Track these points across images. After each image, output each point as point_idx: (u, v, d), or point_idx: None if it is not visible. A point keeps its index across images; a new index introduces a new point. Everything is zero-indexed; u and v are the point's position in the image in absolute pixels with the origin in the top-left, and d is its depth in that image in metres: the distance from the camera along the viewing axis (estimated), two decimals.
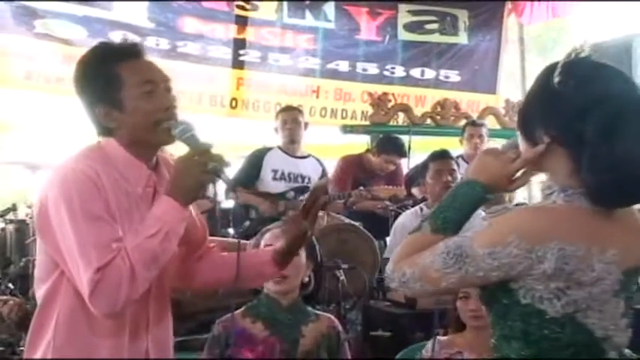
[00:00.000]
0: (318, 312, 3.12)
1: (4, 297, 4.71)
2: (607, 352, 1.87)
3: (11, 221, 6.23)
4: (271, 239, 2.98)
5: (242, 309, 3.01)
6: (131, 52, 2.33)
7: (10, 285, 5.35)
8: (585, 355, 1.86)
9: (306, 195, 5.74)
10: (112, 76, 2.26)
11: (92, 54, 2.38)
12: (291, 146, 6.04)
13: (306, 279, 3.05)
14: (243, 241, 3.31)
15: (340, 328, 3.10)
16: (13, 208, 6.38)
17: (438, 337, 3.43)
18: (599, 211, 1.85)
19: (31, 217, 6.19)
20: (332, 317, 3.14)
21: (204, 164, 2.23)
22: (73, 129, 7.91)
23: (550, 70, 1.92)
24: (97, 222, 2.17)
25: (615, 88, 1.85)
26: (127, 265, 2.14)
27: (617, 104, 1.81)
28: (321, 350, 2.96)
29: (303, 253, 2.95)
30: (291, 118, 6.11)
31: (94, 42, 7.18)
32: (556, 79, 1.86)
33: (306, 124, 6.23)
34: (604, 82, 1.87)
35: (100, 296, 2.13)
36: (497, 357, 1.95)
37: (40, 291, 2.31)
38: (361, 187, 5.77)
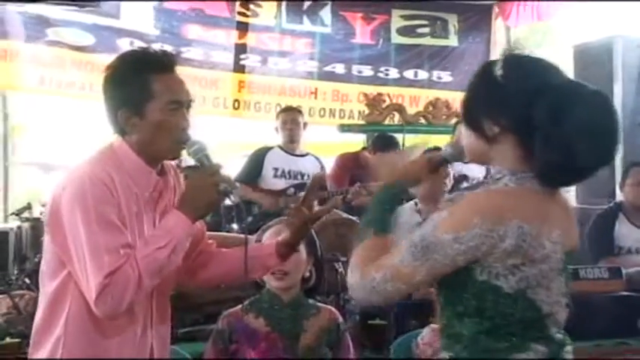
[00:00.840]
0: (320, 304, 3.08)
1: (21, 291, 4.72)
2: (550, 328, 1.92)
3: (27, 219, 6.23)
4: (272, 237, 2.95)
5: (245, 303, 2.98)
6: (165, 65, 2.32)
7: (27, 280, 5.34)
8: (533, 330, 1.89)
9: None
10: (143, 86, 2.26)
11: (128, 60, 2.38)
12: (290, 145, 6.04)
13: (307, 274, 3.01)
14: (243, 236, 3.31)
15: (341, 319, 3.07)
16: (28, 207, 6.38)
17: (432, 325, 3.43)
18: (546, 193, 1.92)
19: (45, 216, 6.20)
20: (332, 309, 3.10)
21: (216, 184, 2.25)
22: (85, 131, 7.95)
23: (490, 65, 1.97)
24: (110, 227, 2.17)
25: (553, 78, 1.92)
26: (136, 273, 2.15)
27: (560, 92, 1.87)
28: (322, 344, 2.93)
29: (303, 250, 2.93)
30: (290, 118, 6.12)
31: (103, 48, 7.28)
32: (499, 73, 1.92)
33: (305, 124, 6.23)
34: (543, 73, 1.93)
35: (106, 300, 2.14)
36: (450, 334, 1.97)
37: (47, 287, 2.29)
38: (358, 184, 5.76)
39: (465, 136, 2.02)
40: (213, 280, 2.69)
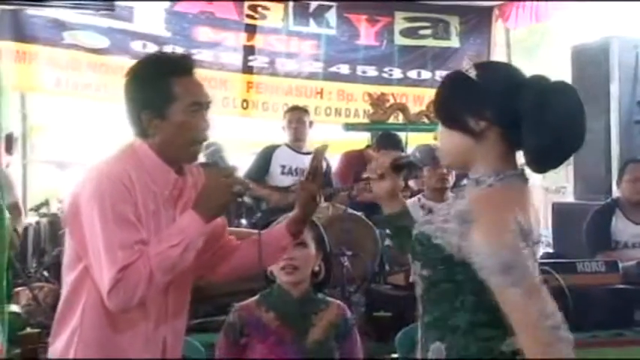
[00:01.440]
0: (328, 299, 3.07)
1: (40, 283, 4.73)
2: None
3: (45, 215, 6.25)
4: None
5: (257, 297, 2.99)
6: (186, 68, 2.34)
7: (45, 272, 5.36)
8: None
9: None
10: (165, 89, 2.27)
11: (149, 64, 2.40)
12: (297, 143, 6.06)
13: (317, 268, 3.01)
14: (253, 231, 3.32)
15: (349, 314, 3.07)
16: (46, 203, 6.40)
17: None
18: (525, 190, 2.01)
19: (62, 211, 6.21)
20: (341, 304, 3.09)
21: (230, 186, 2.26)
22: (99, 131, 7.98)
23: (458, 73, 2.06)
24: (125, 224, 2.19)
25: (521, 76, 2.03)
26: (147, 269, 2.16)
27: (536, 85, 1.96)
28: (330, 338, 2.92)
29: (312, 245, 2.93)
30: (296, 117, 6.14)
31: (117, 51, 7.30)
32: (473, 74, 1.99)
33: (311, 123, 6.25)
34: (512, 72, 2.06)
35: (118, 294, 2.15)
36: (444, 326, 2.00)
37: (66, 279, 2.33)
38: (363, 181, 5.77)
39: (447, 138, 2.04)
40: (232, 273, 2.67)
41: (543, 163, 1.98)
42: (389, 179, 2.31)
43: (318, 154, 2.74)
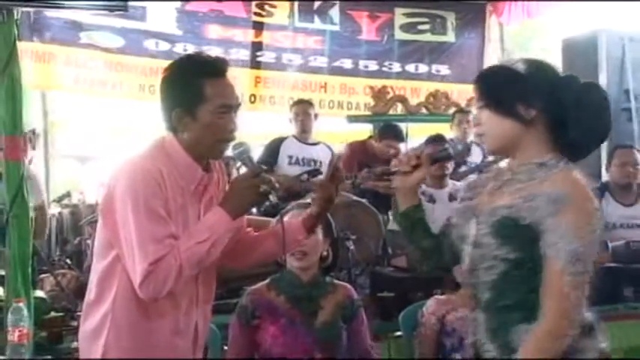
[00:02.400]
0: (336, 282, 3.09)
1: (63, 270, 4.77)
2: None
3: (66, 206, 6.29)
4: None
5: (267, 281, 3.01)
6: (218, 70, 2.33)
7: (68, 260, 5.39)
8: None
9: (319, 177, 5.80)
10: (197, 90, 2.27)
11: (185, 64, 2.40)
12: (303, 135, 6.06)
13: (325, 253, 3.02)
14: (268, 219, 3.33)
15: (355, 295, 3.08)
16: (68, 195, 6.43)
17: (437, 296, 3.46)
18: None
19: (83, 203, 6.25)
20: (348, 286, 3.11)
21: (257, 186, 2.27)
22: (116, 125, 7.99)
23: (505, 67, 2.14)
24: (157, 219, 2.20)
25: (559, 74, 2.13)
26: (178, 263, 2.18)
27: (575, 83, 2.09)
28: (338, 319, 2.94)
29: (319, 231, 2.93)
30: (302, 110, 6.13)
31: (131, 49, 7.27)
32: (522, 68, 2.07)
33: (316, 115, 6.24)
34: (553, 69, 2.13)
35: (149, 285, 2.18)
36: (530, 307, 1.98)
37: (97, 265, 2.33)
38: (366, 169, 5.77)
39: (497, 125, 2.09)
40: (254, 262, 2.67)
41: (580, 151, 2.10)
42: (421, 171, 2.27)
43: (336, 158, 2.75)
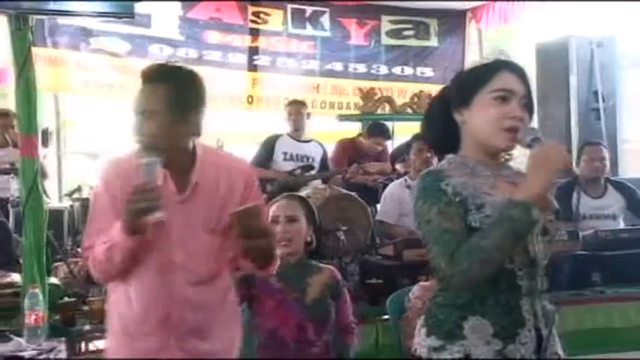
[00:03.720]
0: (321, 265, 3.10)
1: (75, 259, 4.75)
2: None
3: (77, 199, 6.26)
4: (277, 209, 3.01)
5: None
6: (143, 78, 2.29)
7: (79, 249, 5.37)
8: None
9: (312, 172, 5.80)
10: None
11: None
12: (297, 133, 6.06)
13: (309, 239, 3.03)
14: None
15: (340, 277, 3.10)
16: (78, 189, 6.40)
17: (421, 283, 3.46)
18: None
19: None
20: (333, 269, 3.12)
21: (137, 202, 2.08)
22: (122, 125, 7.97)
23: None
24: (100, 213, 2.25)
25: None
26: (92, 257, 2.24)
27: None
28: (326, 296, 2.95)
29: (303, 219, 2.98)
30: (296, 109, 6.13)
31: (137, 54, 7.25)
32: None
33: (308, 114, 6.24)
34: None
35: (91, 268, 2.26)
36: None
37: None
38: (355, 165, 5.78)
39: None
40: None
41: None
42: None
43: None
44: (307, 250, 3.05)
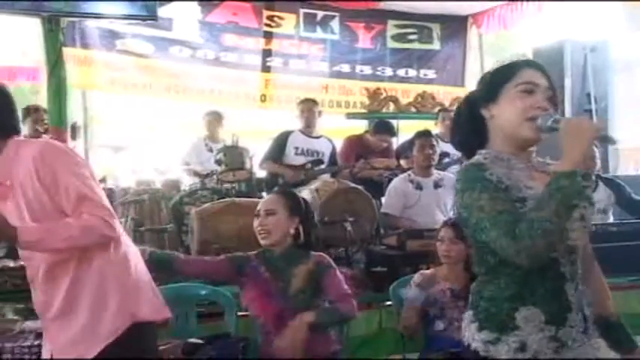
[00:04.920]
0: (312, 253, 2.98)
1: None
2: None
3: (103, 189, 6.28)
4: (259, 204, 3.00)
5: (256, 252, 3.01)
6: None
7: None
8: None
9: (321, 166, 5.81)
10: None
11: None
12: (308, 129, 6.06)
13: (292, 231, 2.96)
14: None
15: (324, 261, 2.95)
16: (103, 180, 6.40)
17: (422, 271, 3.47)
18: None
19: (116, 186, 6.24)
20: (323, 255, 3.01)
21: None
22: (145, 120, 8.01)
23: None
24: None
25: None
26: None
27: None
28: (310, 285, 2.88)
29: (282, 212, 2.93)
30: (308, 107, 6.13)
31: (159, 55, 7.26)
32: None
33: (319, 112, 6.24)
34: None
35: None
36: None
37: None
38: (362, 160, 5.78)
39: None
40: None
41: None
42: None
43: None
44: (296, 242, 2.98)
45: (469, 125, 1.98)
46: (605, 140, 1.80)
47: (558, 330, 1.77)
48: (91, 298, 2.19)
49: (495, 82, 1.92)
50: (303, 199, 3.13)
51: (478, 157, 1.89)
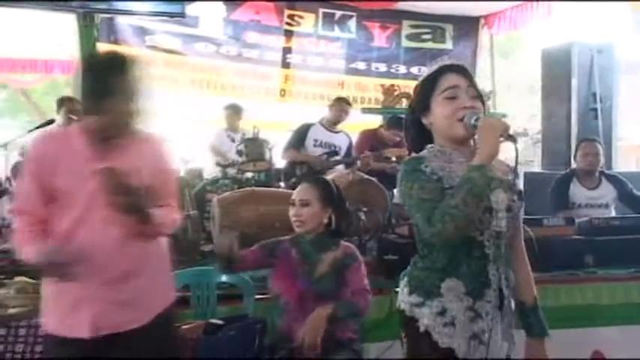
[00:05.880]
0: (342, 242, 3.02)
1: None
2: None
3: None
4: (298, 193, 2.98)
5: (290, 237, 3.01)
6: None
7: None
8: None
9: (336, 157, 5.80)
10: None
11: None
12: (332, 124, 6.10)
13: (326, 220, 2.97)
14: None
15: (353, 253, 2.97)
16: None
17: None
18: None
19: None
20: (351, 246, 3.04)
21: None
22: (172, 112, 8.06)
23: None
24: (26, 180, 2.24)
25: None
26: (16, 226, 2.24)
27: None
28: (334, 273, 2.90)
29: (316, 203, 2.94)
30: (340, 106, 6.17)
31: (185, 50, 7.29)
32: None
33: (348, 112, 6.25)
34: None
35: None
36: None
37: None
38: (367, 152, 5.78)
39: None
40: None
41: None
42: None
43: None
44: (329, 230, 2.99)
45: (415, 130, 2.12)
46: (510, 139, 1.89)
47: (475, 302, 1.94)
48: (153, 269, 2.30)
49: (424, 93, 2.06)
50: (336, 186, 3.12)
51: (423, 151, 2.05)
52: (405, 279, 2.09)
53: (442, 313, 1.95)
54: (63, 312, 2.18)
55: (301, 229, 2.93)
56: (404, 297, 2.05)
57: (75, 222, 2.15)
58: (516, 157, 1.89)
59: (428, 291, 1.98)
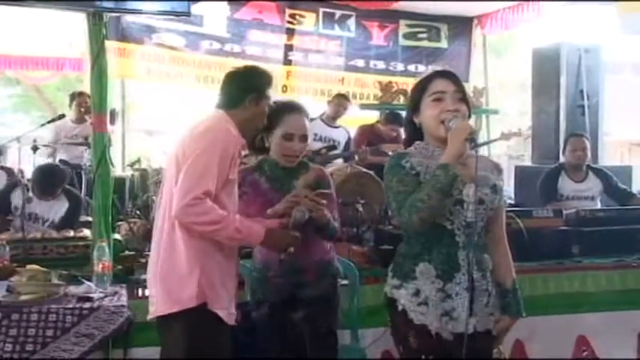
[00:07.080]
0: (310, 164, 2.84)
1: (134, 219, 4.82)
2: None
3: (137, 169, 6.34)
4: (299, 128, 2.74)
5: (254, 163, 2.82)
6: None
7: (138, 211, 5.46)
8: None
9: (334, 152, 5.79)
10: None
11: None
12: (331, 120, 6.09)
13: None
14: None
15: (326, 180, 2.79)
16: (138, 161, 6.49)
17: None
18: None
19: (149, 167, 6.30)
20: (322, 168, 2.89)
21: (296, 239, 2.54)
22: (177, 107, 8.05)
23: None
24: (214, 170, 2.40)
25: None
26: (205, 208, 2.36)
27: None
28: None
29: (309, 137, 2.79)
30: (339, 102, 6.17)
31: (191, 48, 7.28)
32: None
33: (346, 108, 6.25)
34: None
35: (192, 208, 2.36)
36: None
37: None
38: (363, 147, 5.77)
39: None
40: None
41: None
42: None
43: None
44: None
45: (409, 128, 2.26)
46: (472, 142, 1.99)
47: (446, 284, 2.06)
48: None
49: (415, 95, 2.19)
50: None
51: (410, 148, 2.19)
52: (392, 264, 2.22)
53: (416, 293, 2.08)
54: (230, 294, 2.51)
55: (294, 163, 2.73)
56: (388, 280, 2.18)
57: None
58: (477, 160, 1.99)
59: (405, 274, 2.11)
